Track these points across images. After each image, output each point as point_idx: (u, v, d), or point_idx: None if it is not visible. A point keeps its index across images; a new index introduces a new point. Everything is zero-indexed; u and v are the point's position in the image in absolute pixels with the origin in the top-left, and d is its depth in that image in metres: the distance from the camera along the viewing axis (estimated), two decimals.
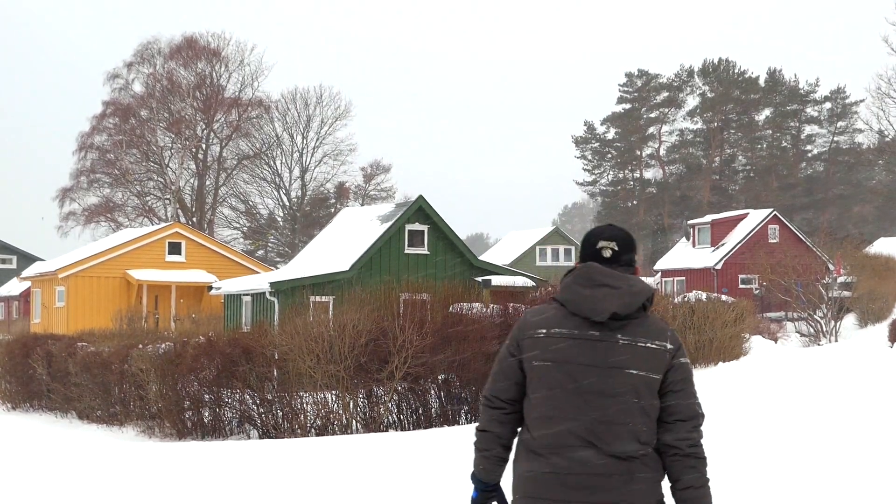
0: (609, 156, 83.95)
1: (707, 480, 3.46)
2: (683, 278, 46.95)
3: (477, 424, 3.74)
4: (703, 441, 3.48)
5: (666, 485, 3.53)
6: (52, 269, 40.33)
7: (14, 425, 19.58)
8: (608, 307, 3.41)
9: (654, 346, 3.43)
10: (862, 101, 73.13)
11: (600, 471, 3.36)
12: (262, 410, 16.54)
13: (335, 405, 15.91)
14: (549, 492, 3.41)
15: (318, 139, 73.59)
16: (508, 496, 3.67)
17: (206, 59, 68.19)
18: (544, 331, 3.49)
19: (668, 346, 3.44)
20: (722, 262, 45.89)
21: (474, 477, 3.76)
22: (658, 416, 3.45)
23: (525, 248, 64.74)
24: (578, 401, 3.41)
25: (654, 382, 3.42)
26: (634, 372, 3.41)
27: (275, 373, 16.56)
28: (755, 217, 48.50)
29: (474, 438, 3.75)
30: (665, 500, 3.51)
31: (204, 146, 69.49)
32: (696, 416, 3.46)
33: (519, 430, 3.62)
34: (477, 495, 3.76)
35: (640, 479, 3.39)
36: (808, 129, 78.98)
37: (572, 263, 62.71)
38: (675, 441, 3.42)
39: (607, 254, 3.53)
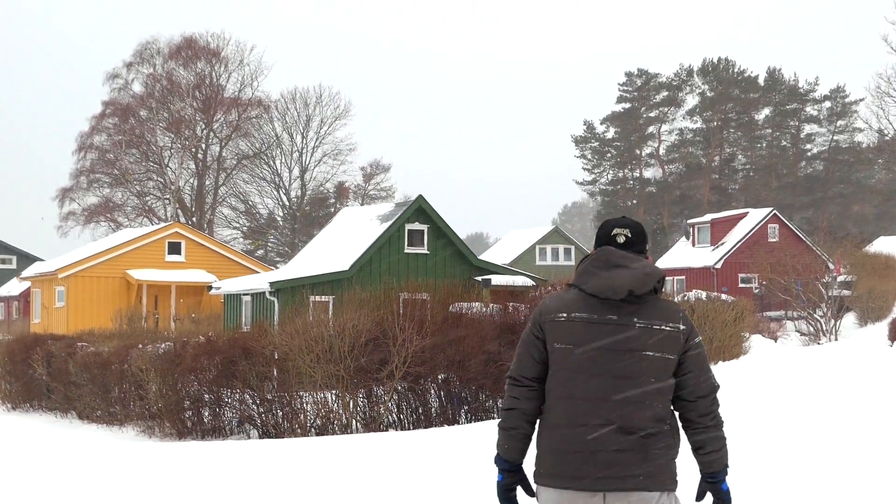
0: (609, 155, 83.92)
1: (725, 443, 3.76)
2: (683, 277, 46.95)
3: (502, 405, 3.87)
4: (720, 411, 3.76)
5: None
6: (52, 270, 40.32)
7: (14, 425, 19.58)
8: (624, 285, 3.60)
9: (668, 328, 3.65)
10: (862, 100, 73.16)
11: (618, 447, 3.54)
12: (262, 410, 16.54)
13: (335, 405, 15.91)
14: (570, 467, 3.59)
15: (317, 139, 73.64)
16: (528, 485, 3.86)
17: (205, 59, 68.18)
18: (565, 315, 3.67)
19: (682, 326, 3.67)
20: (722, 261, 45.89)
21: (499, 459, 3.87)
22: (678, 394, 3.68)
23: (525, 248, 64.73)
24: (598, 381, 3.59)
25: (670, 363, 3.64)
26: (651, 354, 3.61)
27: (275, 372, 16.56)
28: (755, 216, 48.49)
29: (499, 420, 3.88)
30: (677, 475, 3.72)
31: (203, 146, 69.48)
32: (714, 391, 3.72)
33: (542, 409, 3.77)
34: (502, 478, 3.86)
35: (655, 454, 3.59)
36: (808, 129, 78.98)
37: (572, 263, 62.94)
38: (699, 418, 3.70)
39: (621, 240, 3.76)
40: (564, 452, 3.61)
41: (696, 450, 3.75)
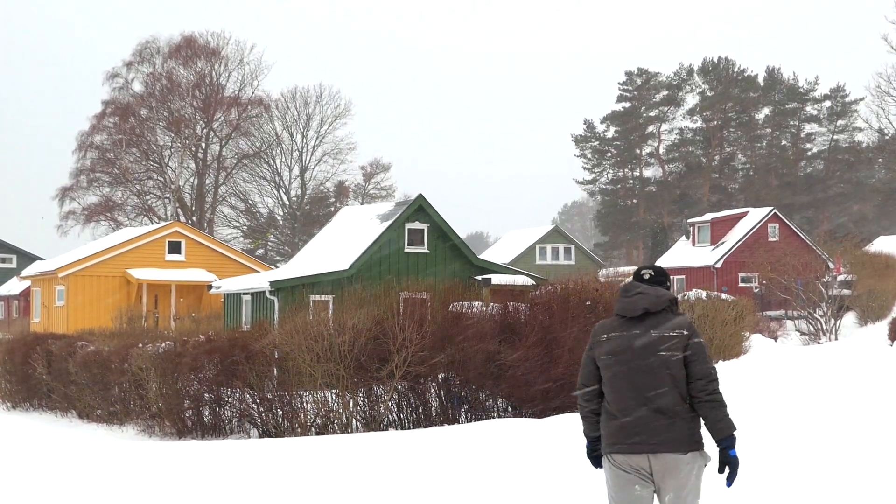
0: (609, 154, 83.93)
1: (725, 414, 5.09)
2: (683, 277, 46.94)
3: (579, 403, 5.50)
4: (720, 389, 5.12)
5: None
6: (52, 269, 40.31)
7: (14, 425, 19.57)
8: (641, 305, 5.20)
9: (674, 334, 5.13)
10: (861, 99, 73.15)
11: (651, 422, 5.06)
12: (262, 409, 16.54)
13: (335, 404, 15.90)
14: (622, 438, 5.14)
15: (317, 138, 73.65)
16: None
17: (205, 58, 68.15)
18: (605, 335, 5.29)
19: (684, 332, 5.14)
20: (722, 260, 45.88)
21: (585, 433, 5.49)
22: (686, 379, 5.09)
23: (525, 247, 64.73)
24: (632, 377, 5.13)
25: (677, 359, 5.09)
26: (664, 353, 5.10)
27: (275, 372, 16.55)
28: (755, 215, 48.47)
29: (579, 411, 5.52)
30: (703, 441, 5.12)
31: (203, 145, 69.47)
32: (709, 375, 5.10)
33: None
34: (589, 445, 5.49)
35: (677, 425, 5.06)
36: (808, 128, 78.98)
37: (572, 262, 62.91)
38: (697, 392, 5.09)
39: (646, 276, 5.38)
40: (618, 430, 5.15)
41: (705, 422, 5.11)
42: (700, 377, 5.06)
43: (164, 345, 18.77)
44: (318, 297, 25.20)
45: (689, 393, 5.08)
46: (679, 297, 24.82)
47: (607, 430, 5.22)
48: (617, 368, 5.16)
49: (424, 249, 27.89)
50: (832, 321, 32.32)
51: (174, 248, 41.38)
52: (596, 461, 5.45)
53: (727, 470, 5.14)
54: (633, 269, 56.70)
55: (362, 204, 67.80)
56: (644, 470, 5.10)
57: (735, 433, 5.11)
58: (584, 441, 5.51)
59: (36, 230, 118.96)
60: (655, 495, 5.18)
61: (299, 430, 15.88)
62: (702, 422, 5.12)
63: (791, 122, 78.89)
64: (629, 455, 5.11)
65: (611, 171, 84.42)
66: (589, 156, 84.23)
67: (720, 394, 5.09)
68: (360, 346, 15.38)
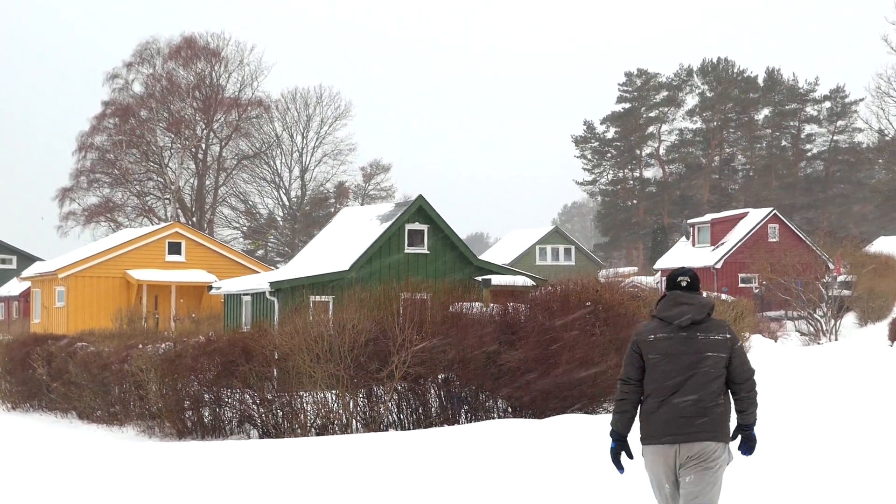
0: (609, 155, 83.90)
1: (756, 409, 5.85)
2: None
3: (616, 397, 5.93)
4: (756, 388, 5.85)
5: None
6: (52, 270, 40.31)
7: (14, 425, 19.57)
8: (688, 316, 5.75)
9: (719, 337, 5.75)
10: (861, 100, 73.15)
11: (690, 413, 5.63)
12: (262, 410, 16.53)
13: (335, 405, 15.90)
14: (661, 427, 5.69)
15: (317, 139, 73.64)
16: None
17: (205, 59, 68.14)
18: (652, 336, 5.80)
19: (728, 335, 5.78)
20: (722, 261, 45.87)
21: (613, 432, 5.89)
22: (728, 377, 5.75)
23: (525, 248, 64.71)
24: (677, 374, 5.68)
25: (723, 359, 5.73)
26: (710, 354, 5.70)
27: (275, 372, 16.54)
28: (755, 216, 48.45)
29: (613, 406, 5.93)
30: (730, 432, 5.78)
31: (203, 146, 69.46)
32: (750, 374, 5.82)
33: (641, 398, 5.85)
34: (615, 446, 5.89)
35: (714, 416, 5.66)
36: (808, 129, 78.94)
37: (572, 263, 62.90)
38: (738, 389, 5.79)
39: (683, 283, 5.88)
40: (659, 422, 5.69)
41: (737, 410, 5.84)
42: (744, 378, 5.78)
43: (164, 345, 18.77)
44: (318, 298, 25.20)
45: (729, 388, 5.77)
46: None
47: (647, 422, 5.75)
48: (666, 367, 5.70)
49: (424, 250, 27.89)
50: (832, 322, 32.33)
51: (174, 248, 41.37)
52: (616, 461, 5.88)
53: (742, 441, 5.91)
54: (632, 269, 56.87)
55: (362, 205, 67.80)
56: (675, 458, 5.68)
57: (757, 421, 5.92)
58: (611, 438, 5.91)
59: (36, 231, 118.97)
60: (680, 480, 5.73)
61: (299, 430, 15.88)
62: (731, 416, 5.80)
63: (791, 123, 78.87)
64: (663, 446, 5.68)
65: (611, 171, 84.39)
66: (589, 156, 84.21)
67: (756, 393, 5.84)
68: (359, 347, 15.37)
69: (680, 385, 5.64)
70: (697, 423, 5.60)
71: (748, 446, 5.91)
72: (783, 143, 79.53)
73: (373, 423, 15.72)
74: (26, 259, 66.08)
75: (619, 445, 5.84)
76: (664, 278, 26.48)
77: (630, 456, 5.86)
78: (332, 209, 69.37)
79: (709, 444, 5.62)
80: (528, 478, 9.75)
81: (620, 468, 5.89)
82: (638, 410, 5.83)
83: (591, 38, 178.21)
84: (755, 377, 5.84)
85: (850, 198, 73.92)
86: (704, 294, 6.46)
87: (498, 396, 15.98)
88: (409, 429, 15.61)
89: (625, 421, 5.83)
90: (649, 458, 5.76)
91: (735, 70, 79.92)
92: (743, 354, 5.79)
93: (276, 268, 45.23)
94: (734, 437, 5.85)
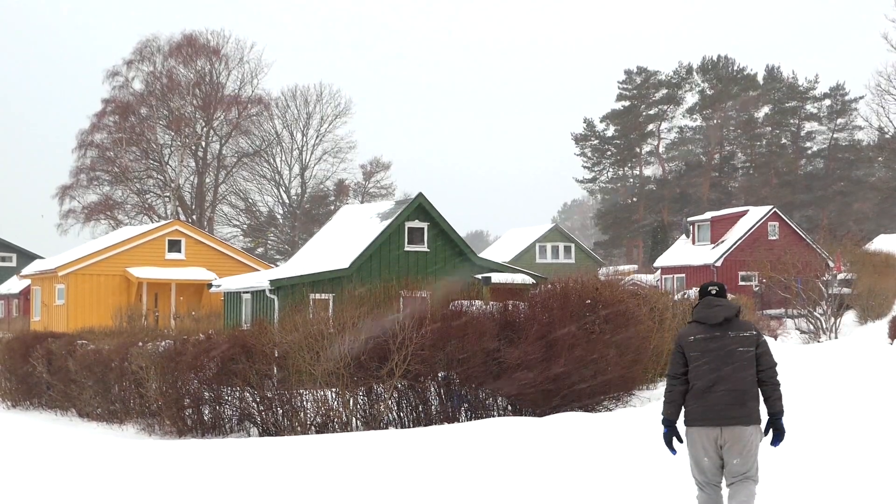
0: (608, 153, 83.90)
1: (780, 395, 6.93)
2: (683, 275, 46.92)
3: (665, 389, 7.06)
4: (778, 376, 6.93)
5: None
6: (52, 267, 40.29)
7: (14, 423, 19.57)
8: (720, 316, 6.92)
9: (747, 334, 6.90)
10: (861, 97, 73.09)
11: (727, 401, 6.76)
12: (261, 408, 16.53)
13: (335, 403, 15.90)
14: (705, 413, 6.81)
15: (317, 136, 73.65)
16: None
17: (205, 57, 68.13)
18: (692, 337, 6.97)
19: (754, 333, 6.94)
20: (722, 259, 45.84)
21: (665, 420, 7.02)
22: (756, 369, 6.84)
23: (525, 246, 64.65)
24: (717, 368, 6.80)
25: (751, 353, 6.86)
26: (741, 349, 6.84)
27: (275, 370, 16.54)
28: (755, 214, 48.41)
29: (663, 398, 7.07)
30: (760, 416, 6.85)
31: (204, 144, 69.46)
32: (774, 365, 6.94)
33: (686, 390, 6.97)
34: (667, 431, 7.02)
35: (747, 405, 6.80)
36: (808, 126, 78.94)
37: (572, 261, 62.87)
38: (765, 378, 6.89)
39: (713, 291, 7.08)
40: (703, 408, 6.79)
41: (764, 397, 6.88)
42: (768, 367, 6.89)
43: (163, 343, 18.75)
44: (318, 296, 25.19)
45: (758, 377, 6.84)
46: (678, 295, 24.84)
47: (691, 408, 6.86)
48: (705, 362, 6.81)
49: (424, 248, 27.88)
50: (832, 320, 32.31)
51: (174, 246, 41.35)
52: (669, 444, 7.02)
53: (773, 433, 6.91)
54: (632, 267, 56.98)
55: (362, 203, 67.79)
56: (717, 439, 6.76)
57: (784, 409, 6.96)
58: (663, 425, 7.07)
59: (36, 229, 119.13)
60: (722, 459, 6.80)
61: (299, 428, 15.88)
62: (761, 401, 6.85)
63: (791, 121, 78.86)
64: (707, 428, 6.77)
65: (611, 169, 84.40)
66: (589, 154, 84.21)
67: (779, 382, 6.93)
68: (359, 345, 15.37)
69: (718, 378, 6.74)
70: (735, 410, 6.71)
71: (778, 437, 6.90)
72: (783, 140, 79.52)
73: (373, 422, 15.72)
74: (26, 257, 66.02)
75: (671, 430, 6.98)
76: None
77: (680, 440, 6.99)
78: (332, 207, 69.37)
79: (745, 428, 6.73)
80: (528, 477, 9.75)
81: (673, 450, 7.03)
82: (684, 400, 6.94)
83: (591, 36, 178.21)
84: (777, 368, 6.92)
85: (849, 195, 73.89)
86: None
87: (498, 394, 15.98)
88: (409, 427, 15.61)
89: (674, 409, 6.96)
90: (694, 437, 6.85)
91: (735, 68, 79.94)
92: (767, 348, 6.90)
93: (276, 266, 45.21)
94: (766, 430, 6.88)
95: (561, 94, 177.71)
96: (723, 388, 6.72)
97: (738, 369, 6.75)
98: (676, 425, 6.96)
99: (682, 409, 6.94)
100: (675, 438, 6.98)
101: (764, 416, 6.92)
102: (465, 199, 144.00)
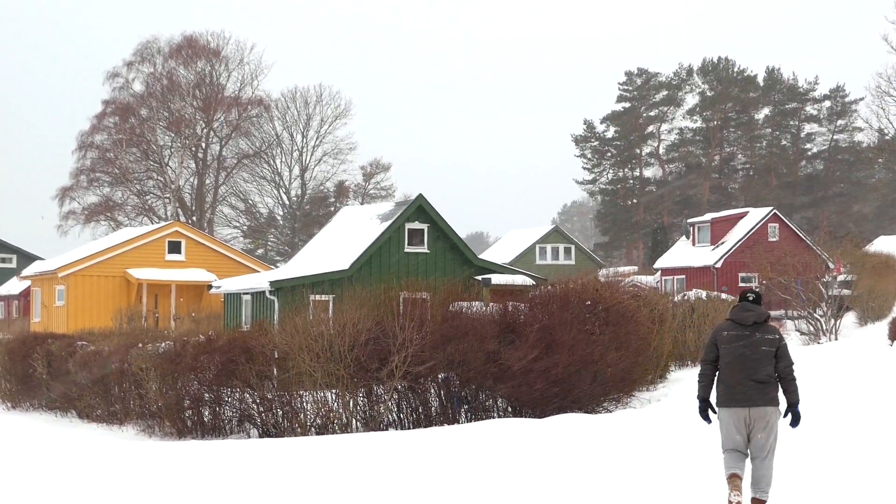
0: (609, 154, 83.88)
1: (797, 387, 8.21)
2: (683, 277, 46.91)
3: (699, 372, 8.46)
4: (795, 373, 8.21)
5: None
6: (52, 269, 40.30)
7: (14, 424, 19.58)
8: (751, 318, 8.23)
9: (771, 337, 8.21)
10: (861, 99, 73.08)
11: (751, 389, 8.09)
12: (261, 409, 16.54)
13: (335, 404, 15.90)
14: (730, 399, 8.14)
15: (317, 138, 73.66)
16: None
17: (205, 59, 68.15)
18: (726, 332, 8.29)
19: (777, 336, 8.24)
20: (722, 260, 45.84)
21: (699, 396, 8.40)
22: (776, 365, 8.14)
23: (525, 247, 64.63)
24: (743, 359, 8.14)
25: (773, 352, 8.16)
26: (765, 347, 8.14)
27: (275, 372, 16.55)
28: (755, 215, 48.41)
29: (697, 379, 8.46)
30: (779, 400, 8.19)
31: (204, 145, 69.46)
32: (791, 364, 8.22)
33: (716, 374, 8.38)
34: (702, 404, 8.39)
35: (769, 391, 8.12)
36: (808, 128, 78.91)
37: (572, 262, 62.90)
38: (783, 373, 8.18)
39: (751, 297, 8.39)
40: (729, 391, 8.13)
41: (783, 389, 8.18)
42: (786, 364, 8.17)
43: (163, 345, 18.76)
44: (318, 297, 25.19)
45: (777, 373, 8.12)
46: (678, 297, 24.87)
47: (721, 392, 8.19)
48: (735, 355, 8.15)
49: (424, 249, 27.90)
50: (832, 321, 32.27)
51: (174, 247, 41.36)
52: (705, 416, 8.38)
53: (791, 417, 8.18)
54: (632, 269, 57.00)
55: (362, 204, 67.79)
56: (746, 419, 8.07)
57: (800, 399, 8.19)
58: (697, 403, 8.43)
59: (36, 230, 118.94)
60: (748, 436, 8.09)
61: (299, 429, 15.89)
62: (779, 389, 8.19)
63: (791, 122, 78.85)
64: (737, 409, 8.10)
65: (611, 171, 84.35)
66: (589, 156, 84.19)
67: (795, 377, 8.19)
68: (359, 346, 15.37)
69: (745, 367, 8.08)
70: (760, 394, 8.05)
71: (795, 420, 8.20)
72: (783, 142, 79.51)
73: (373, 423, 15.73)
74: (26, 258, 66.02)
75: (705, 404, 8.38)
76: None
77: (714, 410, 8.29)
78: (332, 208, 69.38)
79: (768, 408, 8.08)
80: (528, 478, 9.75)
81: (708, 420, 8.38)
82: (714, 383, 8.32)
83: (591, 37, 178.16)
84: (793, 366, 8.19)
85: (849, 197, 73.89)
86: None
87: (498, 396, 15.98)
88: (409, 428, 15.61)
89: (705, 387, 8.36)
90: (725, 416, 8.16)
91: (735, 69, 79.92)
92: (786, 350, 8.26)
93: (276, 267, 45.21)
94: (785, 415, 8.19)
95: (561, 94, 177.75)
96: (749, 377, 8.05)
97: (759, 363, 8.08)
98: (709, 399, 8.35)
99: (714, 390, 8.28)
100: (709, 410, 8.33)
101: (783, 404, 8.17)
102: (465, 199, 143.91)
